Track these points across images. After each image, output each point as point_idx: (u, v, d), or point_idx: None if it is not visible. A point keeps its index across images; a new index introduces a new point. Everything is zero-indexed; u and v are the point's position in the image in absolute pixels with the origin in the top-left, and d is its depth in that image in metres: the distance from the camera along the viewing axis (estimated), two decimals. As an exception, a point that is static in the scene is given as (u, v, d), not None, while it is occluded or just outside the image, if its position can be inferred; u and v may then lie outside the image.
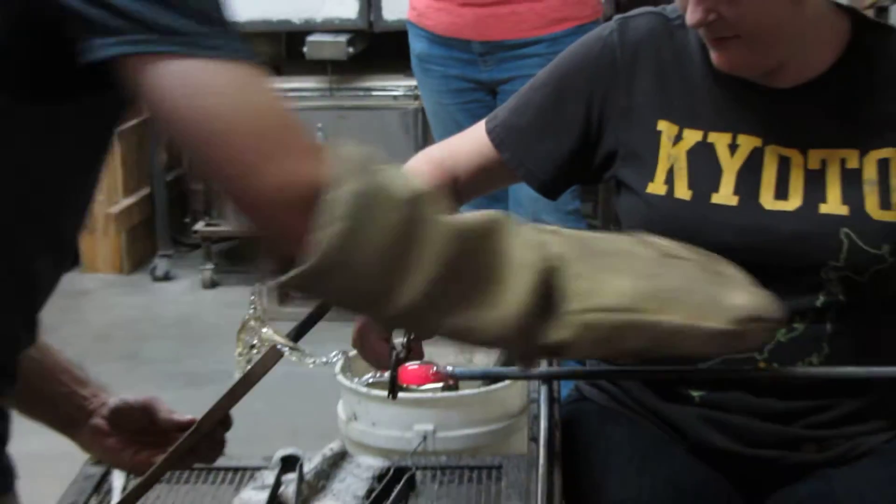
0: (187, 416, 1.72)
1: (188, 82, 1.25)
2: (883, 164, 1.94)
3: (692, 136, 2.01)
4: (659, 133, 2.02)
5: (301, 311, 4.92)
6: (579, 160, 2.07)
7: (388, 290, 1.38)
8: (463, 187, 2.10)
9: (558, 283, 1.49)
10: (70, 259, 1.48)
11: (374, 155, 1.38)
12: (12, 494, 1.39)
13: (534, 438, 1.83)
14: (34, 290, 1.41)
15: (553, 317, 1.49)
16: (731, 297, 1.58)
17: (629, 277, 1.54)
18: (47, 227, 1.42)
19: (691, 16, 1.87)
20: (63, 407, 1.66)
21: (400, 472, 2.17)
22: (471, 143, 2.11)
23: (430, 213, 1.39)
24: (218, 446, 1.71)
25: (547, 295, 1.48)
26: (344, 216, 1.29)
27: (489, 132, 2.10)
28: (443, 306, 1.43)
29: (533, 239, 1.50)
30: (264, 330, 1.56)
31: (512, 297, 1.44)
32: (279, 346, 1.62)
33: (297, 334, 1.69)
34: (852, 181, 1.94)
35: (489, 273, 1.44)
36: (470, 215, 1.44)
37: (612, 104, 2.05)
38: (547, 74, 2.11)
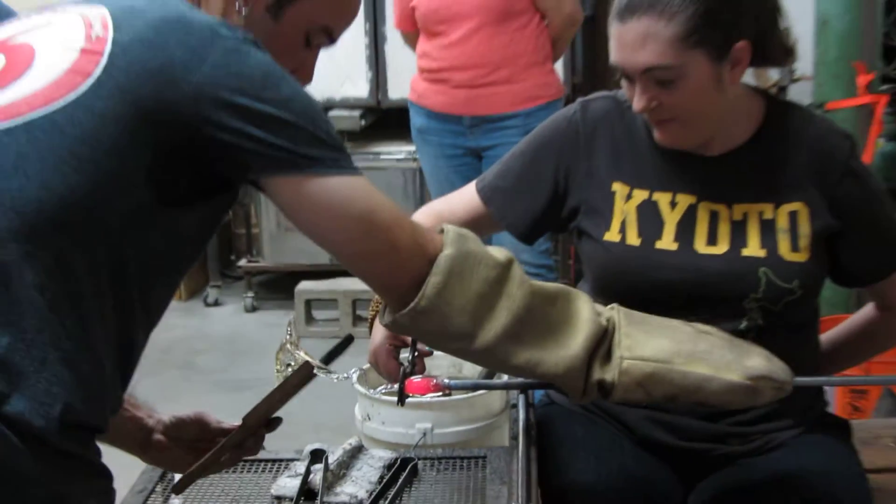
0: (234, 424, 1.72)
1: (339, 193, 1.36)
2: (792, 216, 1.94)
3: (640, 195, 2.01)
4: (614, 193, 2.03)
5: (323, 329, 4.91)
6: (550, 214, 2.08)
7: (475, 331, 1.48)
8: None
9: (611, 336, 1.58)
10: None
11: (469, 233, 1.52)
12: None
13: (514, 436, 1.83)
14: (132, 358, 1.42)
15: (604, 360, 1.58)
16: (750, 359, 1.63)
17: (668, 340, 1.60)
18: (152, 308, 1.44)
19: (637, 103, 1.89)
20: (128, 429, 1.66)
21: (405, 462, 2.17)
22: (464, 200, 2.12)
23: (515, 274, 1.52)
24: (259, 441, 1.72)
25: (602, 343, 1.57)
26: (441, 272, 1.43)
27: (479, 191, 2.11)
28: (516, 346, 1.52)
29: (596, 307, 1.61)
30: (298, 353, 1.60)
31: (577, 341, 1.55)
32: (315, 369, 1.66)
33: (327, 359, 1.72)
34: (768, 230, 1.95)
35: (561, 324, 1.55)
36: (547, 284, 1.59)
37: (576, 170, 2.05)
38: (525, 145, 2.11)
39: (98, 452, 1.34)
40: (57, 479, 1.25)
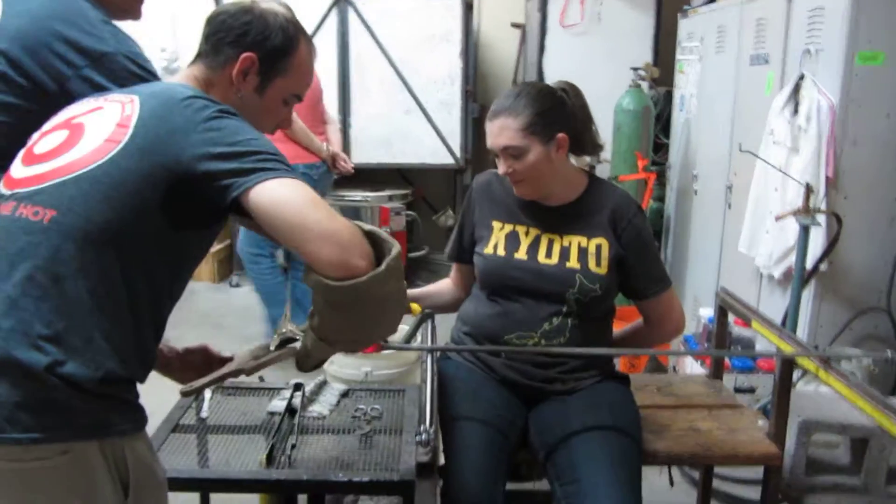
0: (227, 355, 1.66)
1: (285, 191, 1.24)
2: (598, 246, 1.96)
3: (508, 227, 2.04)
4: (493, 227, 2.06)
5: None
6: (469, 242, 2.13)
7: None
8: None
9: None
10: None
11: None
12: (144, 433, 1.33)
13: (423, 380, 1.81)
14: (160, 329, 1.37)
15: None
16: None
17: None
18: (175, 294, 1.38)
19: (500, 169, 1.97)
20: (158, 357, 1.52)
21: (350, 391, 2.16)
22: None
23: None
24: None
25: None
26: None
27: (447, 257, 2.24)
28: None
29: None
30: (290, 326, 1.53)
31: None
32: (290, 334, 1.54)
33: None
34: (583, 252, 1.96)
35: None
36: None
37: (476, 216, 2.11)
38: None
39: (134, 393, 1.29)
40: (98, 411, 1.22)
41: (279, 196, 1.23)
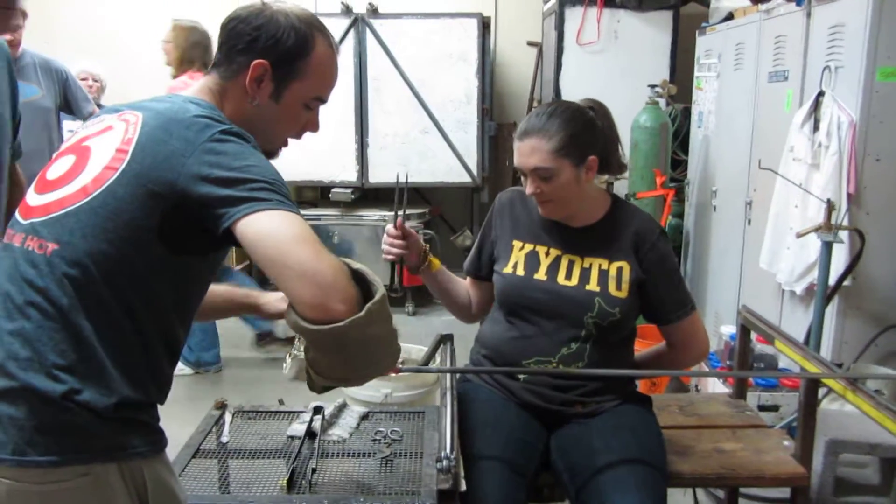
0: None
1: (271, 225, 1.19)
2: (619, 269, 1.95)
3: (528, 247, 2.04)
4: (513, 245, 2.06)
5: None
6: (488, 259, 2.13)
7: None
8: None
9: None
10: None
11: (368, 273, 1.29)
12: (164, 455, 1.32)
13: (443, 404, 1.80)
14: (177, 348, 1.36)
15: None
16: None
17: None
18: (188, 314, 1.37)
19: (528, 189, 1.95)
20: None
21: (370, 414, 2.14)
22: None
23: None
24: None
25: None
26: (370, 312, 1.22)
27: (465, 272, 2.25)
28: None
29: None
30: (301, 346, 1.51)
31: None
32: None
33: None
34: (603, 275, 1.95)
35: None
36: None
37: (497, 233, 2.10)
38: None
39: (153, 416, 1.29)
40: (117, 434, 1.22)
41: (264, 230, 1.17)
